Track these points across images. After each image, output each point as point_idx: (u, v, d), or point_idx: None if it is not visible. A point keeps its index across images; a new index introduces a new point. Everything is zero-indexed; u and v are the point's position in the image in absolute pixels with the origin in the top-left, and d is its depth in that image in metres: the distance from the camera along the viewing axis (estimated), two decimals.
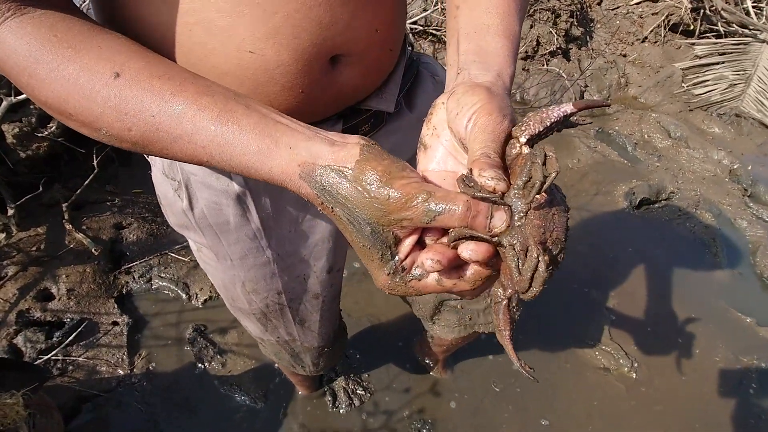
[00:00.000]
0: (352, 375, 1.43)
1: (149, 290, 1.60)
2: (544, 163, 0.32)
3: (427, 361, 1.45)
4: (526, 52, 2.80)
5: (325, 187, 0.35)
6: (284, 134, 0.36)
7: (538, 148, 0.33)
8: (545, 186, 0.31)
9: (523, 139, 0.34)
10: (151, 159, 0.62)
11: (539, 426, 1.36)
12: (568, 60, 2.91)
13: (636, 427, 1.37)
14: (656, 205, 2.13)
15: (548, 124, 0.35)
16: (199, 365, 1.43)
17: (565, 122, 0.36)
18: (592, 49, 3.06)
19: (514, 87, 2.70)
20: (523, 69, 2.82)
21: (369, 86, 0.54)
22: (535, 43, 2.81)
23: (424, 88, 0.65)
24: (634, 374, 1.48)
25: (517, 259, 0.32)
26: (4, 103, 1.40)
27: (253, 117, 0.36)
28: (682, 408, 1.41)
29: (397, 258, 0.36)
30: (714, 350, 1.56)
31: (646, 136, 2.54)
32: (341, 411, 1.36)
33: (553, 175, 0.31)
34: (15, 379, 0.98)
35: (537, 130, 0.34)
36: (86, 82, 0.35)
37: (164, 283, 1.61)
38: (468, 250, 0.33)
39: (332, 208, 0.36)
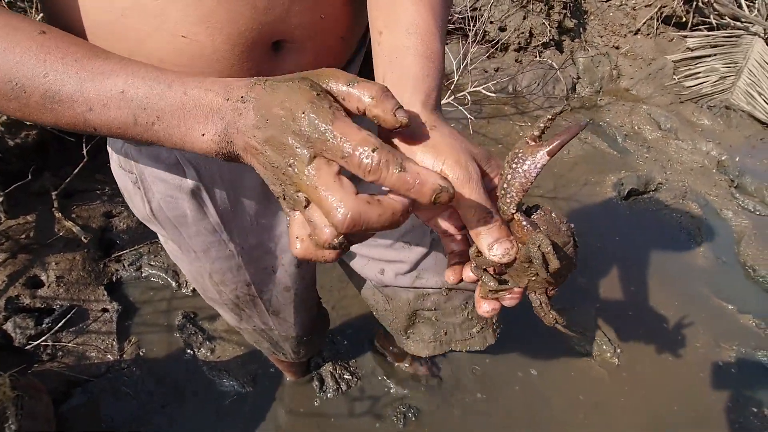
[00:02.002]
0: (339, 361, 1.45)
1: (139, 278, 1.62)
2: (545, 262, 0.35)
3: (391, 349, 1.43)
4: (519, 43, 2.80)
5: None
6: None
7: (536, 248, 0.35)
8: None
9: (512, 210, 0.35)
10: (109, 152, 0.60)
11: (524, 408, 1.39)
12: (561, 51, 2.92)
13: (617, 410, 1.40)
14: (644, 196, 2.15)
15: (530, 186, 0.35)
16: (188, 351, 1.45)
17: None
18: (585, 41, 3.06)
19: (507, 78, 2.71)
20: (516, 60, 2.82)
21: None
22: (528, 34, 2.81)
23: None
24: (617, 360, 1.50)
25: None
26: None
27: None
28: (663, 392, 1.44)
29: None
30: (696, 336, 1.59)
31: (636, 127, 2.55)
32: (328, 396, 1.38)
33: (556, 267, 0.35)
34: (1, 361, 0.99)
35: (521, 197, 0.35)
36: (7, 35, 0.34)
37: (154, 271, 1.63)
38: (508, 299, 0.40)
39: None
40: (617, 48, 3.06)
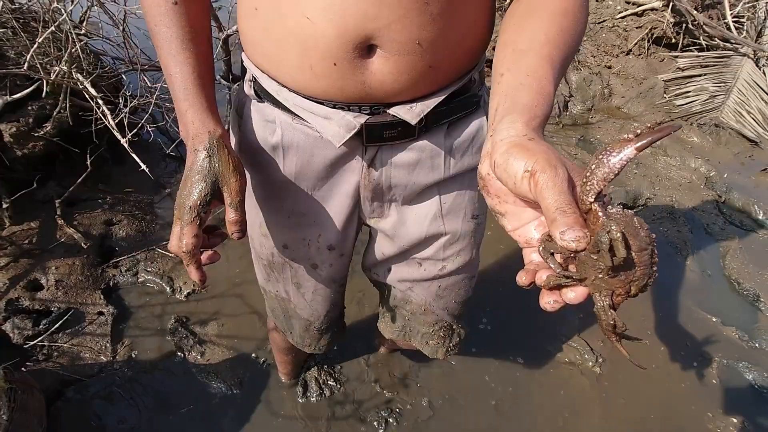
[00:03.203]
0: (325, 366, 1.48)
1: (135, 283, 1.67)
2: (612, 249, 0.34)
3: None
4: None
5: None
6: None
7: (605, 233, 0.34)
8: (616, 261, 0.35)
9: (591, 198, 0.35)
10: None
11: (504, 415, 1.41)
12: None
13: (598, 418, 1.41)
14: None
15: (612, 177, 0.35)
16: (179, 354, 1.49)
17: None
18: (578, 61, 3.14)
19: None
20: None
21: (398, 91, 0.58)
22: None
23: (476, 124, 0.68)
24: (599, 369, 1.52)
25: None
26: (0, 101, 1.49)
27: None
28: (644, 402, 1.46)
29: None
30: (679, 348, 1.60)
31: None
32: (312, 401, 1.41)
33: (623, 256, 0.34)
34: None
35: (601, 187, 0.35)
36: None
37: (150, 277, 1.68)
38: (571, 294, 0.40)
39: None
40: (609, 68, 3.14)
